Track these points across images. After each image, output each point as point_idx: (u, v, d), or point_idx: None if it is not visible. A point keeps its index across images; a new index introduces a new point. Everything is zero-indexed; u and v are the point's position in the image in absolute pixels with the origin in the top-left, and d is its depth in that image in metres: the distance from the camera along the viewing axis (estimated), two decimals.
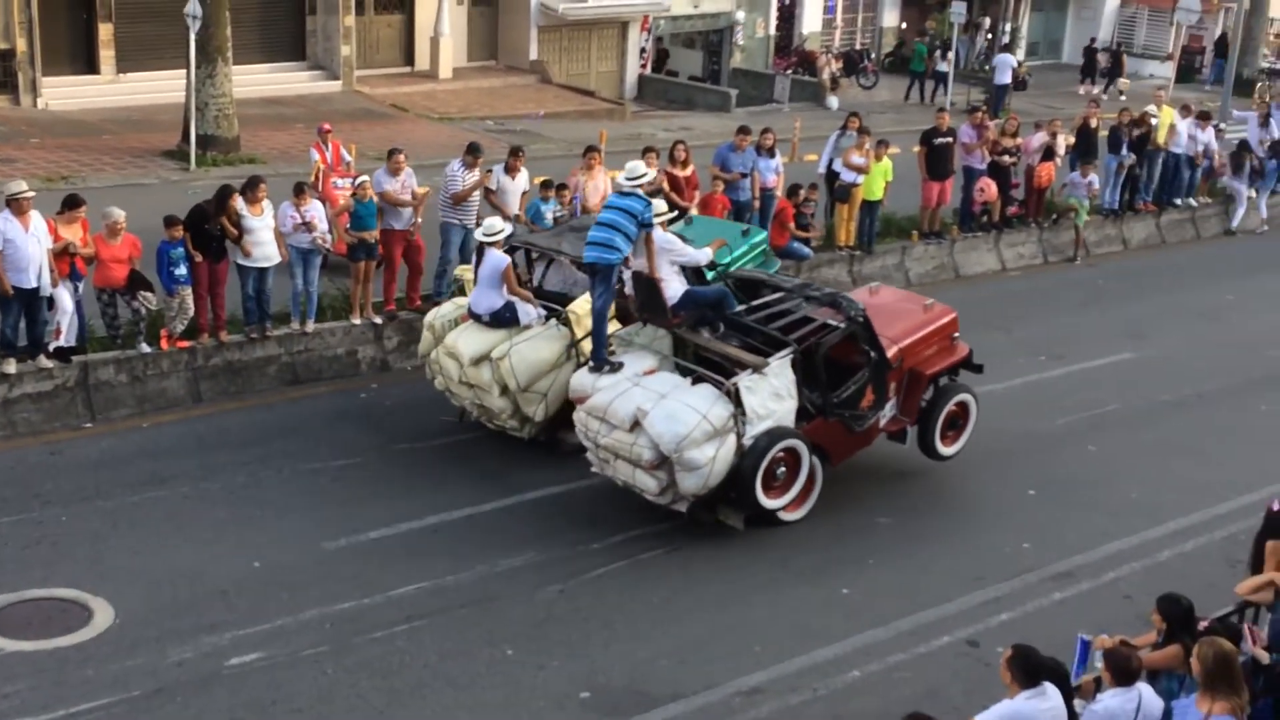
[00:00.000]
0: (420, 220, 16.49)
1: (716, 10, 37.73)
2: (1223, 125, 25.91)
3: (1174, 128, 24.17)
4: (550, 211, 17.07)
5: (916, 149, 21.93)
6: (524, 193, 17.56)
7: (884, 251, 20.84)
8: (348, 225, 16.02)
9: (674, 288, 13.03)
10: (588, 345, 13.51)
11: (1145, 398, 16.24)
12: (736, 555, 12.41)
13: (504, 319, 13.93)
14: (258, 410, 14.98)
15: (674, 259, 13.06)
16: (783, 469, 12.48)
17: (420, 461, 13.97)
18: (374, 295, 16.46)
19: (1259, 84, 38.95)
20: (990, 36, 40.58)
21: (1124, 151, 23.49)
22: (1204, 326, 19.51)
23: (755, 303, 13.33)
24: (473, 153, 16.74)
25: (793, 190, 19.63)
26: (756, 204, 19.43)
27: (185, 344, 15.06)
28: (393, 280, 16.55)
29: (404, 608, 11.17)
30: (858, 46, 41.48)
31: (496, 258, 13.93)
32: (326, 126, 19.70)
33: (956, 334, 14.32)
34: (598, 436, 12.53)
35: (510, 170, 17.32)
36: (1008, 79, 37.08)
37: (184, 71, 24.45)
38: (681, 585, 11.84)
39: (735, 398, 12.14)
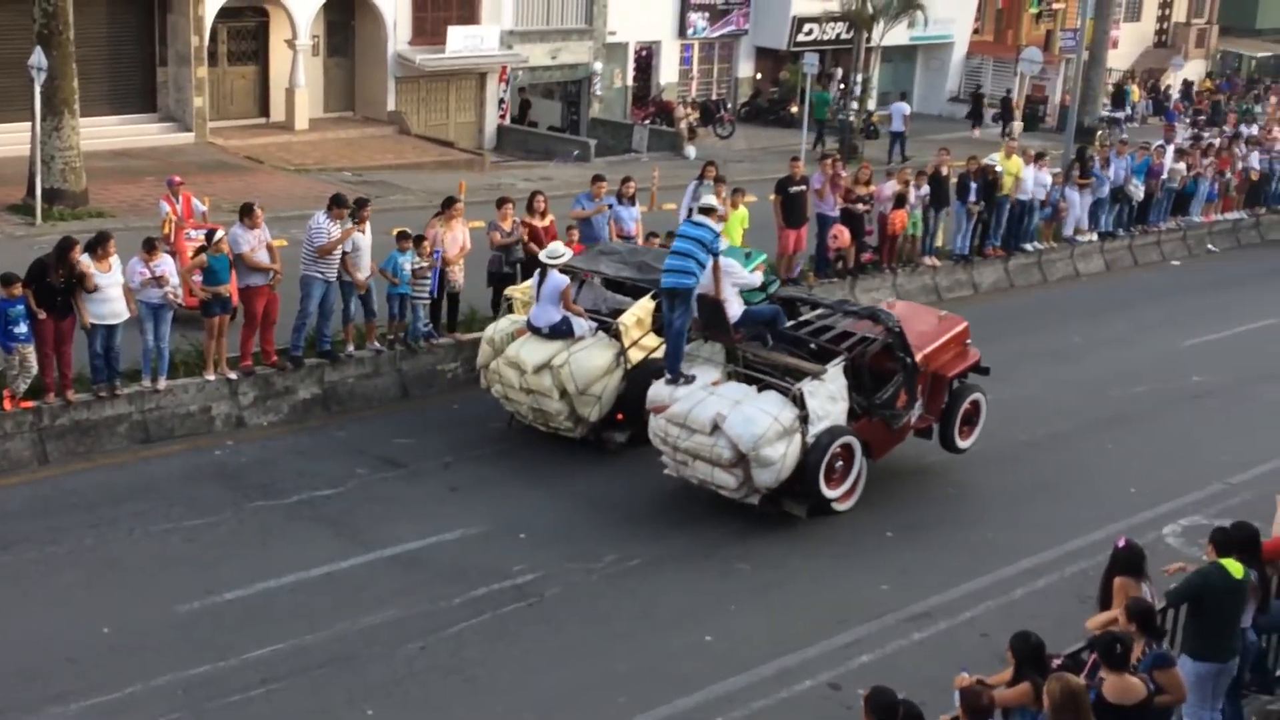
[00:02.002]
0: (280, 273, 16.22)
1: (575, 61, 37.98)
2: (1059, 170, 26.68)
3: (1019, 177, 24.82)
4: (409, 263, 16.93)
5: (772, 197, 22.24)
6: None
7: None
8: (200, 280, 15.71)
9: (735, 308, 14.62)
10: (634, 354, 15.58)
11: (1000, 439, 16.56)
12: (599, 606, 12.36)
13: (561, 331, 15.56)
14: (107, 470, 14.58)
15: (734, 282, 14.64)
16: (840, 462, 14.09)
17: (277, 519, 13.70)
18: (228, 350, 16.15)
19: (1099, 132, 40.23)
20: (843, 87, 41.37)
21: (972, 198, 24.06)
22: (1054, 368, 20.02)
23: (804, 318, 15.28)
24: (338, 205, 16.47)
25: (649, 239, 19.71)
26: None
27: (29, 404, 14.60)
28: (251, 335, 16.25)
29: (261, 670, 10.91)
30: (714, 96, 42.03)
31: (557, 278, 15.61)
32: (177, 179, 19.36)
33: (969, 340, 16.14)
34: (678, 441, 13.96)
35: (359, 223, 17.10)
36: (902, 126, 37.92)
37: (29, 124, 23.84)
38: (544, 637, 11.75)
39: (800, 401, 13.74)
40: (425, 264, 17.08)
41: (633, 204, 20.00)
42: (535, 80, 38.04)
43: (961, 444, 15.77)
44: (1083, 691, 7.83)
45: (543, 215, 18.68)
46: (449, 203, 18.16)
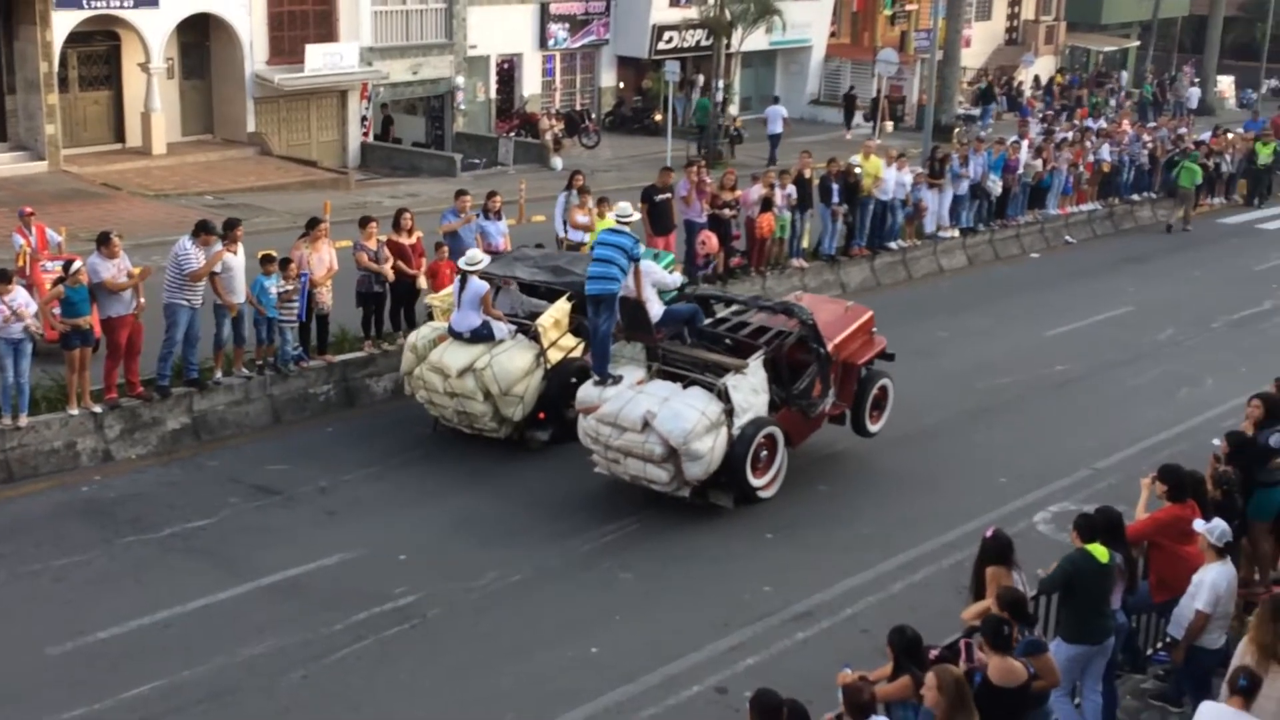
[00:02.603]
0: (144, 301, 15.87)
1: (436, 76, 37.75)
2: (920, 169, 27.15)
3: (879, 177, 25.20)
4: (274, 286, 16.68)
5: (640, 205, 22.28)
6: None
7: None
8: (59, 312, 15.31)
9: (655, 309, 15.28)
10: (553, 355, 16.27)
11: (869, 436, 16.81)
12: (482, 624, 12.29)
13: (482, 335, 16.10)
14: None
15: (653, 282, 15.27)
16: (765, 452, 14.75)
17: (150, 554, 13.40)
18: (92, 383, 15.76)
19: (956, 130, 41.01)
20: (705, 93, 41.65)
21: (835, 200, 24.37)
22: (922, 363, 20.32)
23: (720, 314, 16.14)
24: (204, 230, 16.14)
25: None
26: None
27: None
28: (115, 367, 15.86)
29: (138, 709, 10.65)
30: (578, 107, 42.07)
31: (476, 284, 16.09)
32: (28, 209, 18.87)
33: (874, 329, 16.76)
34: (609, 440, 14.43)
35: (230, 244, 16.84)
36: (779, 129, 38.30)
37: None
38: (428, 659, 11.64)
39: (724, 395, 14.33)
40: (291, 287, 16.85)
41: (499, 218, 19.94)
42: (397, 96, 37.74)
43: (872, 428, 16.51)
44: (964, 679, 7.97)
45: (409, 232, 18.53)
46: (313, 223, 17.94)
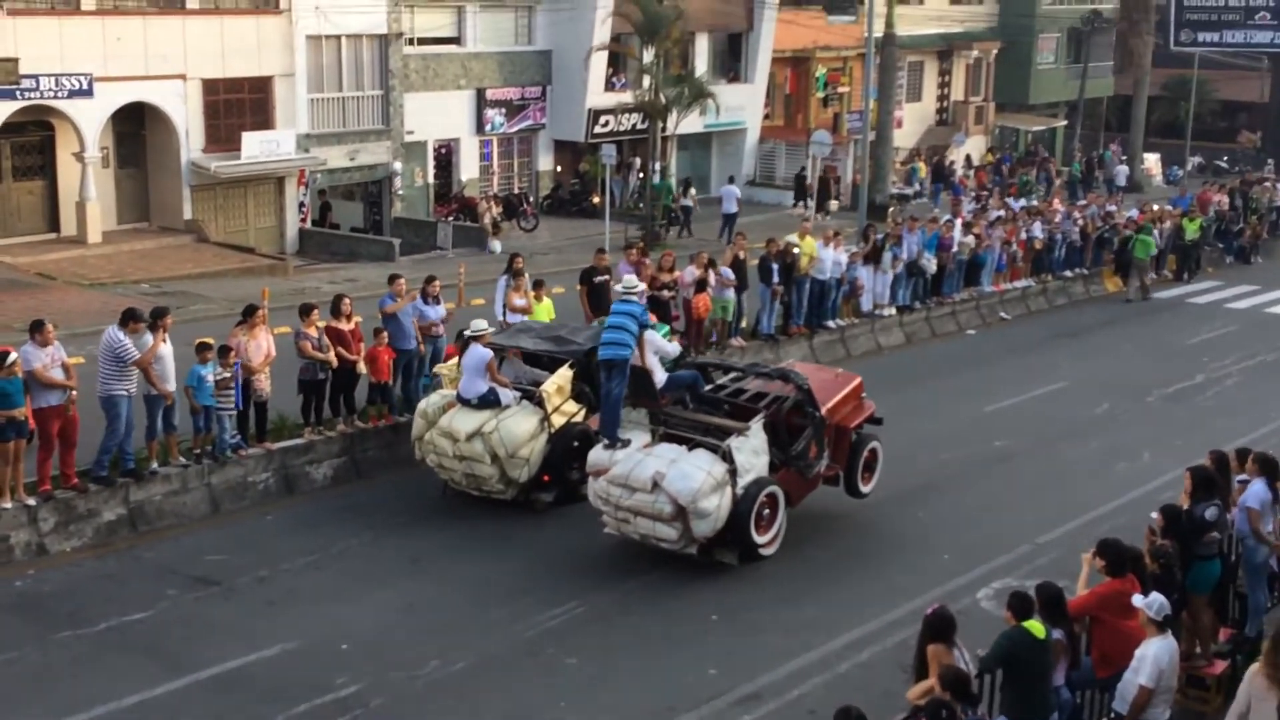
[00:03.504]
0: (76, 392, 15.69)
1: (374, 161, 37.85)
2: (855, 248, 27.41)
3: (815, 256, 25.45)
4: (210, 375, 16.56)
5: (578, 287, 22.45)
6: None
7: None
8: None
9: (659, 375, 16.16)
10: (556, 419, 17.12)
11: (813, 513, 16.84)
12: (424, 713, 12.12)
13: (489, 401, 16.92)
14: None
15: (656, 350, 16.24)
16: (767, 510, 15.52)
17: (85, 649, 13.15)
18: (25, 475, 15.52)
19: (891, 208, 41.54)
20: (642, 175, 42.04)
21: (775, 279, 24.58)
22: None
23: (720, 381, 17.15)
24: (133, 319, 16.02)
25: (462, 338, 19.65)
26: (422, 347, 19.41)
27: None
28: (48, 458, 15.64)
29: None
30: (516, 190, 42.28)
31: (480, 352, 16.98)
32: None
33: (864, 394, 17.60)
34: (619, 500, 15.16)
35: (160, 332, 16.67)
36: (734, 208, 38.70)
37: None
38: None
39: (728, 456, 15.09)
40: (228, 374, 16.73)
41: (438, 302, 19.95)
42: (335, 182, 37.77)
43: (864, 488, 17.27)
44: None
45: (349, 318, 18.50)
46: (250, 311, 17.87)
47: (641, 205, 40.36)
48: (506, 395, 17.09)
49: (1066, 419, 22.40)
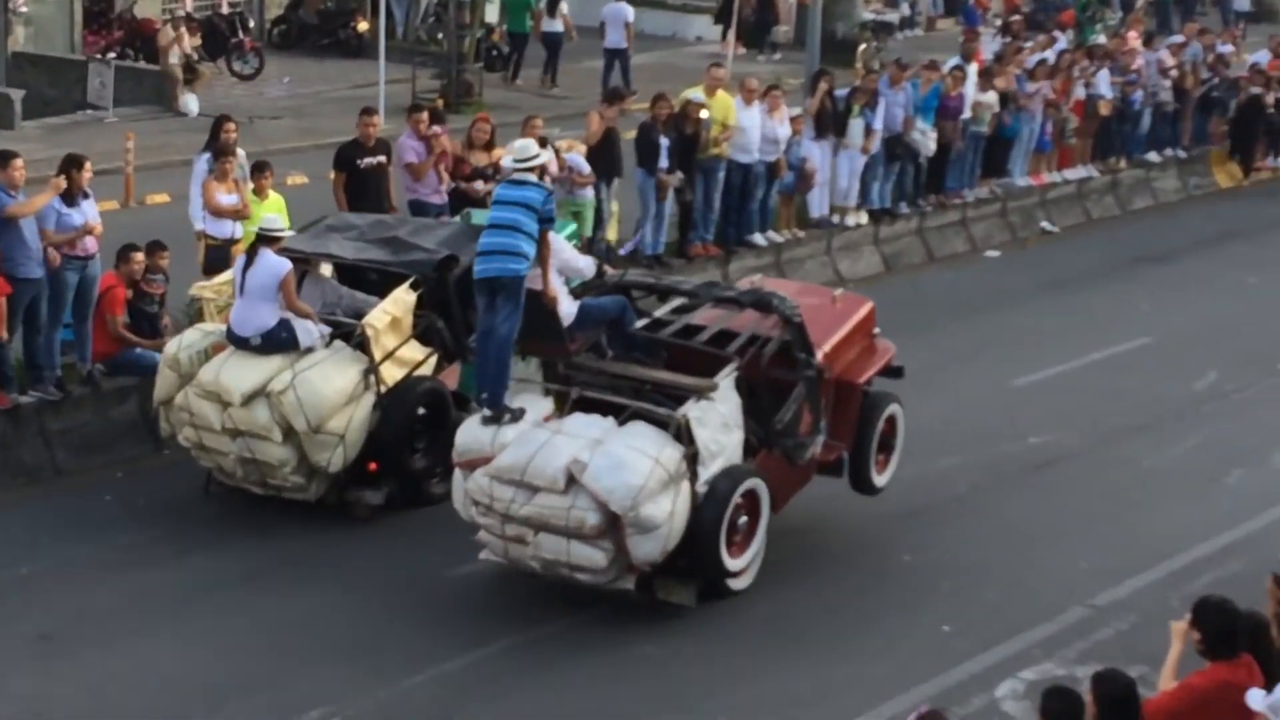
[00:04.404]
0: None
1: None
2: (800, 112, 27.39)
3: (729, 124, 25.45)
4: None
5: (332, 175, 22.48)
6: None
7: None
8: None
9: (567, 305, 16.29)
10: (389, 372, 17.45)
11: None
12: None
13: (279, 341, 17.12)
14: None
15: (563, 268, 16.59)
16: (744, 518, 15.86)
17: None
18: None
19: (862, 46, 41.68)
20: None
21: (663, 164, 24.56)
22: None
23: (659, 314, 17.45)
24: None
25: (125, 256, 19.43)
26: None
27: None
28: None
29: None
30: (225, 9, 41.73)
31: (273, 262, 17.24)
32: None
33: (877, 329, 18.32)
34: (510, 508, 15.25)
35: None
36: (622, 41, 39.17)
37: None
38: None
39: (685, 434, 15.27)
40: None
41: (86, 198, 19.65)
42: None
43: (878, 479, 17.99)
44: None
45: None
46: None
47: (441, 36, 40.10)
48: (309, 332, 17.31)
49: (1146, 400, 22.74)
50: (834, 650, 15.91)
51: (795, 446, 16.56)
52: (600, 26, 40.44)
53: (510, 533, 15.47)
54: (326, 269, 18.78)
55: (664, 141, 24.63)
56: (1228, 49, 37.13)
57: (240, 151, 21.59)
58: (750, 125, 25.78)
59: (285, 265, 17.30)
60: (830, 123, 27.40)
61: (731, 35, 41.21)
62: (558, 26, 41.06)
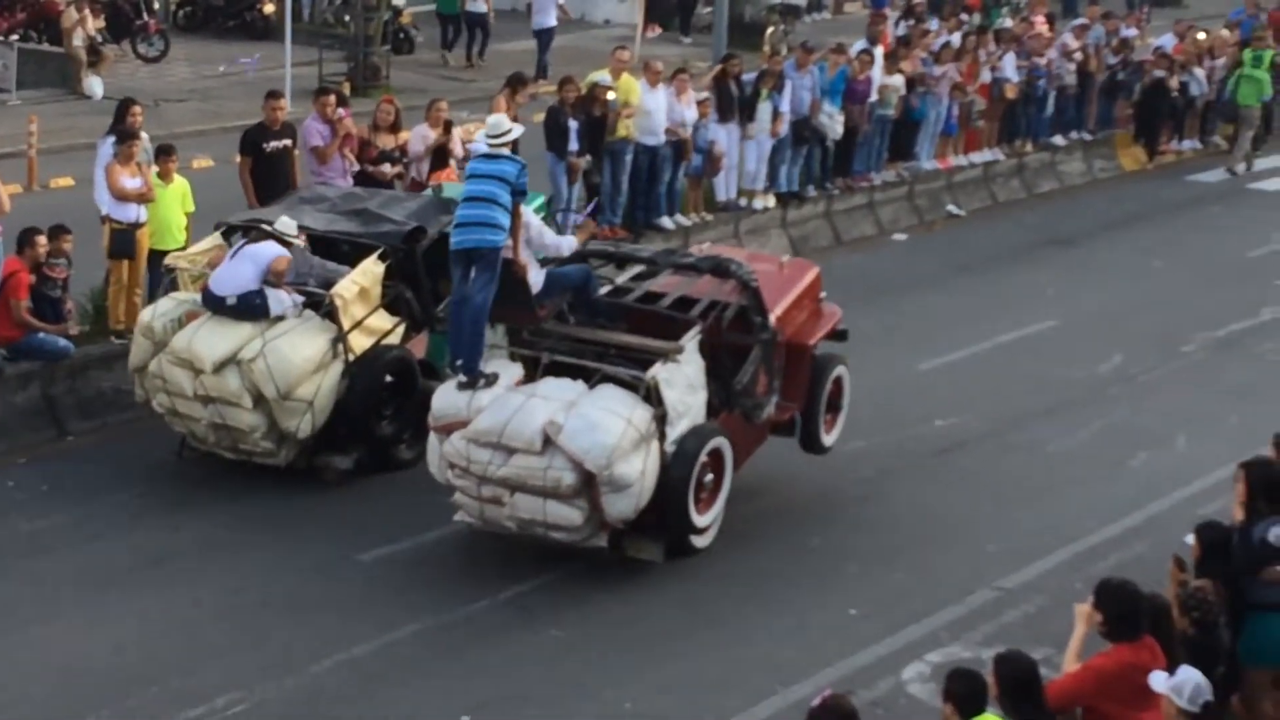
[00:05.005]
0: None
1: None
2: (706, 95, 27.36)
3: (631, 103, 25.46)
4: None
5: (238, 159, 22.43)
6: None
7: None
8: None
9: (535, 274, 17.01)
10: (358, 341, 18.02)
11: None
12: None
13: (253, 306, 17.68)
14: None
15: (534, 242, 17.25)
16: (710, 475, 16.59)
17: None
18: None
19: (769, 29, 41.73)
20: None
21: (573, 147, 24.57)
22: None
23: (620, 281, 18.28)
24: None
25: (28, 240, 19.30)
26: None
27: None
28: None
29: None
30: None
31: (274, 247, 18.02)
32: None
33: (823, 294, 19.08)
34: (488, 469, 15.85)
35: None
36: (551, 20, 39.10)
37: None
38: None
39: (654, 395, 16.00)
40: None
41: None
42: None
43: (827, 439, 18.91)
44: None
45: None
46: None
47: (347, 18, 39.94)
48: (281, 301, 17.86)
49: (1053, 383, 22.92)
50: (742, 633, 15.97)
51: (753, 407, 17.27)
52: (527, 8, 40.62)
53: (487, 494, 16.06)
54: (300, 239, 18.89)
55: (573, 124, 24.65)
56: (1132, 33, 37.42)
57: (144, 135, 21.48)
58: (656, 108, 25.85)
59: (285, 253, 17.94)
60: (736, 106, 27.43)
61: (640, 18, 41.36)
62: (481, 7, 41.33)
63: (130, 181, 20.31)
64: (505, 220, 16.54)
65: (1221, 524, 12.84)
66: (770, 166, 28.24)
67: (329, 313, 17.99)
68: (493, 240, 16.47)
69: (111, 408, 19.77)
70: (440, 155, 23.14)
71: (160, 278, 20.29)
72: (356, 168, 22.56)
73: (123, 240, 20.34)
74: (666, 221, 26.52)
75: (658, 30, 42.53)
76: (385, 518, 17.54)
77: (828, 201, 29.30)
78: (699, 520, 16.64)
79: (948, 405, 21.81)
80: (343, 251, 19.22)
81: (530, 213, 17.65)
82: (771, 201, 28.24)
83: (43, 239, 19.38)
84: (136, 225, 20.25)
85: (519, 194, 16.76)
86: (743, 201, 27.94)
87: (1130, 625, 11.14)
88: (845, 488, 19.28)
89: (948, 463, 20.29)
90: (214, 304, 17.88)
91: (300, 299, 18.13)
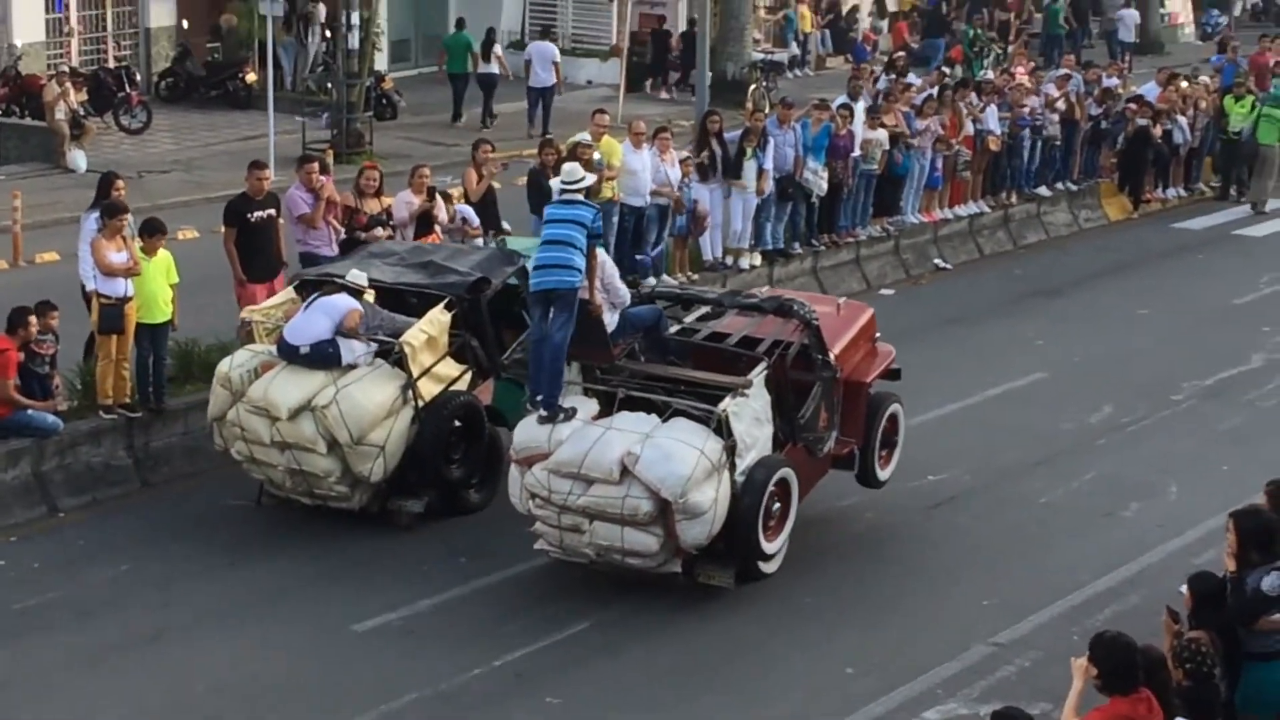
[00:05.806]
0: None
1: None
2: (689, 154, 27.38)
3: (615, 164, 25.52)
4: None
5: (223, 229, 22.38)
6: None
7: (185, 409, 20.85)
8: None
9: (610, 315, 17.94)
10: (426, 388, 18.61)
11: (642, 599, 17.02)
12: None
13: (325, 355, 18.33)
14: None
15: (608, 286, 17.98)
16: (778, 504, 17.36)
17: None
18: None
19: (753, 86, 41.84)
20: (330, 35, 41.70)
21: None
22: None
23: (687, 321, 19.14)
24: None
25: (20, 320, 19.30)
26: None
27: None
28: None
29: None
30: (112, 63, 41.55)
31: (348, 299, 18.61)
32: None
33: (878, 335, 20.00)
34: (568, 499, 16.67)
35: None
36: (550, 78, 39.20)
37: None
38: None
39: (724, 427, 16.77)
40: None
41: None
42: None
43: (882, 474, 19.73)
44: None
45: None
46: None
47: (330, 85, 40.04)
48: (353, 350, 18.51)
49: (1041, 435, 22.96)
50: (737, 693, 15.96)
51: (815, 440, 18.16)
52: (525, 65, 40.95)
53: (566, 523, 16.83)
54: (369, 293, 19.48)
55: (554, 185, 24.56)
56: (1114, 82, 37.33)
57: (128, 212, 21.38)
58: (640, 168, 25.87)
59: (352, 305, 18.53)
60: (719, 165, 27.47)
61: (622, 79, 41.45)
62: (493, 69, 41.75)
63: (116, 256, 20.27)
64: (581, 262, 17.29)
65: (1214, 575, 12.86)
66: (755, 224, 28.21)
67: (399, 360, 18.56)
68: (570, 281, 17.21)
69: (101, 483, 19.76)
70: (425, 221, 23.14)
71: (147, 351, 20.33)
72: (344, 235, 22.51)
73: (111, 315, 20.26)
74: (652, 282, 26.42)
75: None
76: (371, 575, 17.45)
77: (814, 258, 29.28)
78: (768, 547, 17.34)
79: (940, 459, 21.76)
80: (410, 303, 19.72)
81: (605, 255, 18.51)
82: (758, 260, 28.22)
83: (34, 319, 19.39)
84: (125, 299, 20.18)
85: (594, 237, 17.62)
86: (729, 260, 27.93)
87: (1125, 678, 11.14)
88: (838, 543, 19.29)
89: (940, 517, 20.31)
90: (289, 353, 18.43)
91: (373, 346, 18.67)
